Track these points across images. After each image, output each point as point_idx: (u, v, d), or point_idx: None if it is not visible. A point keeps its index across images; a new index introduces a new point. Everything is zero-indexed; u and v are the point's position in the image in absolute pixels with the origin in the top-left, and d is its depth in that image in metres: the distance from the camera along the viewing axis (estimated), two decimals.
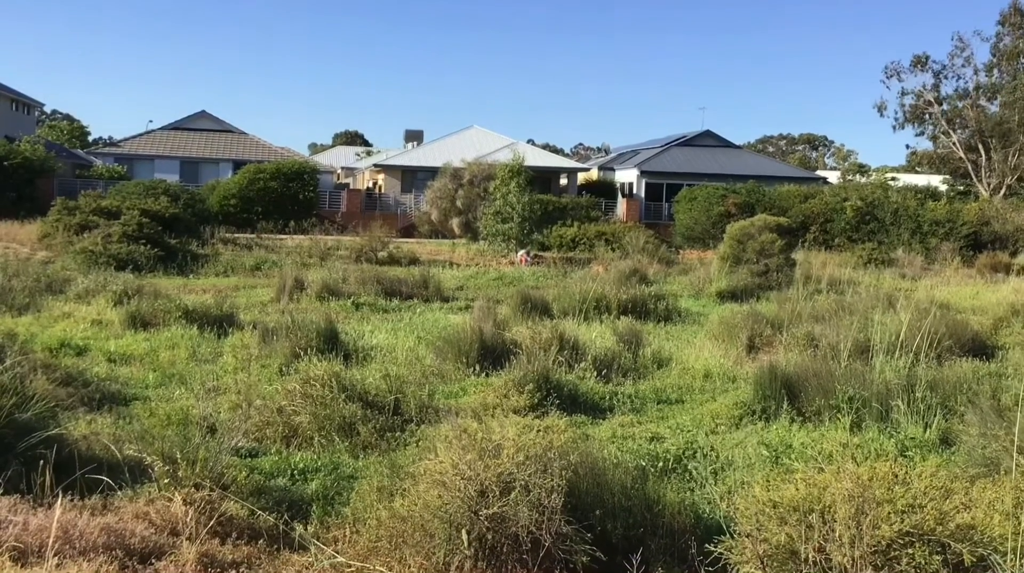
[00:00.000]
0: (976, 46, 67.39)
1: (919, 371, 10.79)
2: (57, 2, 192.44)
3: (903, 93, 57.51)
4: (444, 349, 12.71)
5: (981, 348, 14.21)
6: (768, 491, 4.94)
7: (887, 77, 57.82)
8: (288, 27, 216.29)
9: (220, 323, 15.13)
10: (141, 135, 54.20)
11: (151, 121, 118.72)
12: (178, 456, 5.94)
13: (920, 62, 56.11)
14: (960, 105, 56.06)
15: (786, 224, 28.21)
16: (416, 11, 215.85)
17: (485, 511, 5.29)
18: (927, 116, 57.07)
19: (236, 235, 36.53)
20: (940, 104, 56.47)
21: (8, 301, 17.02)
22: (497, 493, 5.36)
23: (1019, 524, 4.88)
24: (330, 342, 12.99)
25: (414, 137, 65.94)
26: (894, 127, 58.59)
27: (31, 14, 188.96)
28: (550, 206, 42.37)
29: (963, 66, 55.67)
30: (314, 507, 6.65)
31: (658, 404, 11.02)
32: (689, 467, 7.93)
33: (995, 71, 55.03)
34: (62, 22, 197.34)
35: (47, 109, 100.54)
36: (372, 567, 5.42)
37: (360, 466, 7.78)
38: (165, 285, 21.83)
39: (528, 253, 33.95)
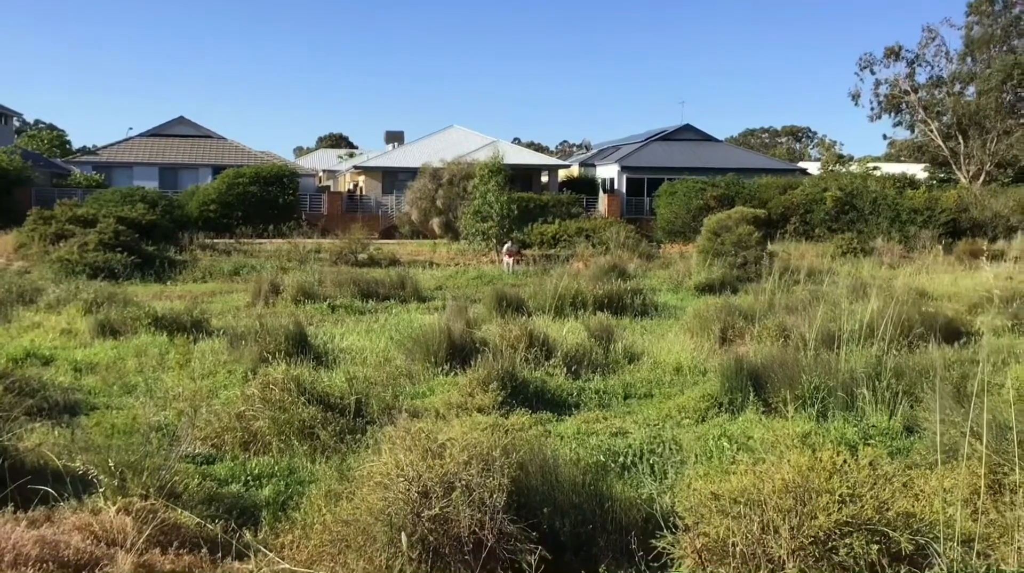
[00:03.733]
0: (948, 34, 67.81)
1: (886, 359, 10.76)
2: (38, 13, 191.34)
3: (877, 84, 57.66)
4: (413, 349, 12.62)
5: (955, 334, 14.22)
6: (709, 483, 4.88)
7: (860, 69, 57.94)
8: (271, 32, 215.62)
9: (190, 330, 15.01)
10: (119, 143, 53.85)
11: (131, 128, 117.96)
12: (113, 466, 5.84)
13: (893, 53, 56.14)
14: (936, 93, 56.21)
15: (763, 216, 28.23)
16: (399, 13, 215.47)
17: (427, 512, 5.22)
18: (903, 105, 57.18)
19: (215, 240, 36.34)
20: (916, 92, 56.58)
21: None
22: (440, 494, 5.29)
23: (965, 511, 4.85)
24: (299, 345, 12.89)
25: (395, 138, 65.78)
26: (870, 118, 58.74)
27: (9, 24, 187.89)
28: (530, 204, 42.34)
29: (935, 55, 55.86)
30: (265, 513, 6.56)
31: (626, 399, 10.98)
32: (649, 462, 7.87)
33: (968, 59, 55.18)
34: (42, 32, 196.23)
35: (29, 119, 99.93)
36: (315, 572, 5.35)
37: (316, 470, 7.70)
38: (141, 292, 21.70)
39: (513, 249, 31.78)
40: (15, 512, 5.81)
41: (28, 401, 9.31)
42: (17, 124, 76.87)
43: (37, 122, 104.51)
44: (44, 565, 4.86)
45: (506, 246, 32.11)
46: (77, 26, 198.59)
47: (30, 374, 11.30)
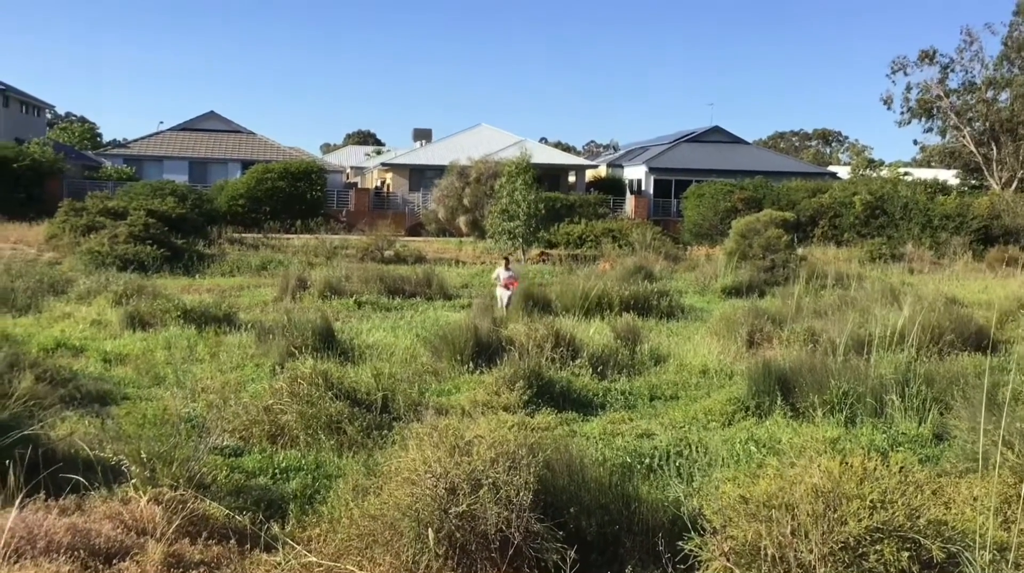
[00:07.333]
0: (986, 39, 66.73)
1: (915, 366, 10.67)
2: (71, 7, 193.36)
3: (909, 88, 57.13)
4: (439, 347, 12.64)
5: (986, 342, 14.05)
6: (738, 487, 4.85)
7: (893, 72, 57.41)
8: (302, 29, 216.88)
9: (219, 323, 15.13)
10: (150, 136, 54.36)
11: (161, 122, 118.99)
12: (144, 456, 5.89)
13: (927, 56, 55.53)
14: (970, 99, 55.56)
15: (792, 219, 28.03)
16: (429, 11, 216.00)
17: (454, 509, 5.23)
18: (935, 110, 56.60)
19: (243, 235, 36.59)
20: (948, 98, 55.97)
21: (10, 302, 17.07)
22: (467, 491, 5.30)
23: (996, 520, 4.79)
24: (326, 341, 12.97)
25: (422, 136, 65.92)
26: (899, 122, 58.28)
27: (47, 19, 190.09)
28: (557, 203, 42.27)
29: (971, 60, 55.18)
30: (292, 506, 6.60)
31: (651, 401, 10.94)
32: (675, 464, 7.85)
33: (1005, 64, 54.45)
34: (77, 25, 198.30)
35: (61, 111, 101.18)
36: (342, 566, 5.38)
37: (343, 465, 7.74)
38: (169, 285, 21.87)
39: (508, 274, 19.15)
40: (47, 500, 5.88)
41: (60, 390, 9.42)
42: (49, 116, 77.76)
43: (68, 115, 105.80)
44: (75, 553, 4.92)
45: (496, 271, 20.24)
46: (110, 20, 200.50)
47: (61, 364, 11.44)
